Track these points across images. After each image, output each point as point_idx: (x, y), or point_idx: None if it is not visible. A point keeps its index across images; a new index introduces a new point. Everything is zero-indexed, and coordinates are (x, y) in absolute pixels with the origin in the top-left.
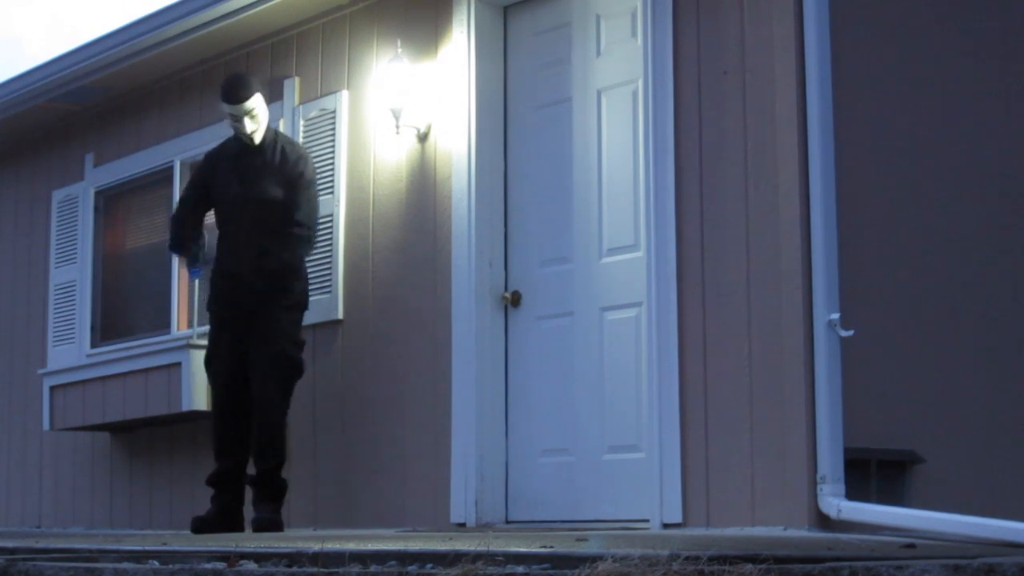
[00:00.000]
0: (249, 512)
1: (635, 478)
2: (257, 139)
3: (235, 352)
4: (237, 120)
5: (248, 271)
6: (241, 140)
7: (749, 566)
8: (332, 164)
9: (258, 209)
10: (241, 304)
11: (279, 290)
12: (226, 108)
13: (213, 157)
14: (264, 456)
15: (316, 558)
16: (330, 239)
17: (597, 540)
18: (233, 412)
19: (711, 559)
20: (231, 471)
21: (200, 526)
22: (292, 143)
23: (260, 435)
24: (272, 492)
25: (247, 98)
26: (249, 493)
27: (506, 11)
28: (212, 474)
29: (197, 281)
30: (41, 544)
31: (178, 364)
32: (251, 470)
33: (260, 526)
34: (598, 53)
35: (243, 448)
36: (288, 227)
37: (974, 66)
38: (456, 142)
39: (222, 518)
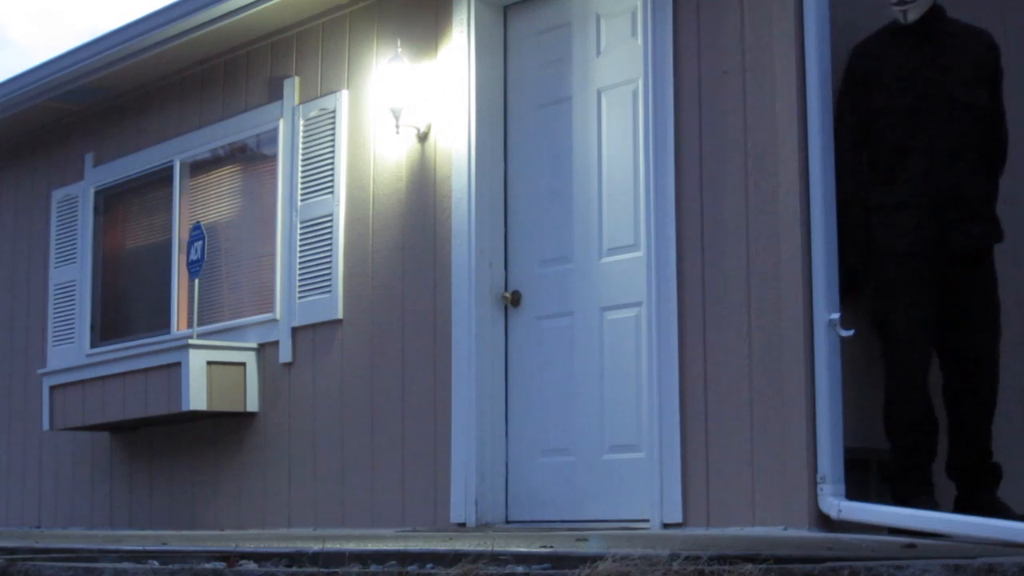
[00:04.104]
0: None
1: (635, 478)
2: (912, 17)
3: (927, 311)
4: None
5: (949, 203)
6: (901, 31)
7: (749, 566)
8: (332, 164)
9: (950, 120)
10: (948, 246)
11: (990, 229)
12: None
13: (869, 57)
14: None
15: (316, 558)
16: (330, 239)
17: (597, 540)
18: (924, 382)
19: (711, 559)
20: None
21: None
22: (969, 26)
23: (976, 412)
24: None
25: None
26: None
27: (506, 11)
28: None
29: (198, 281)
30: (41, 544)
31: (178, 364)
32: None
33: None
34: (598, 53)
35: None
36: (991, 142)
37: None
38: (456, 142)
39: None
